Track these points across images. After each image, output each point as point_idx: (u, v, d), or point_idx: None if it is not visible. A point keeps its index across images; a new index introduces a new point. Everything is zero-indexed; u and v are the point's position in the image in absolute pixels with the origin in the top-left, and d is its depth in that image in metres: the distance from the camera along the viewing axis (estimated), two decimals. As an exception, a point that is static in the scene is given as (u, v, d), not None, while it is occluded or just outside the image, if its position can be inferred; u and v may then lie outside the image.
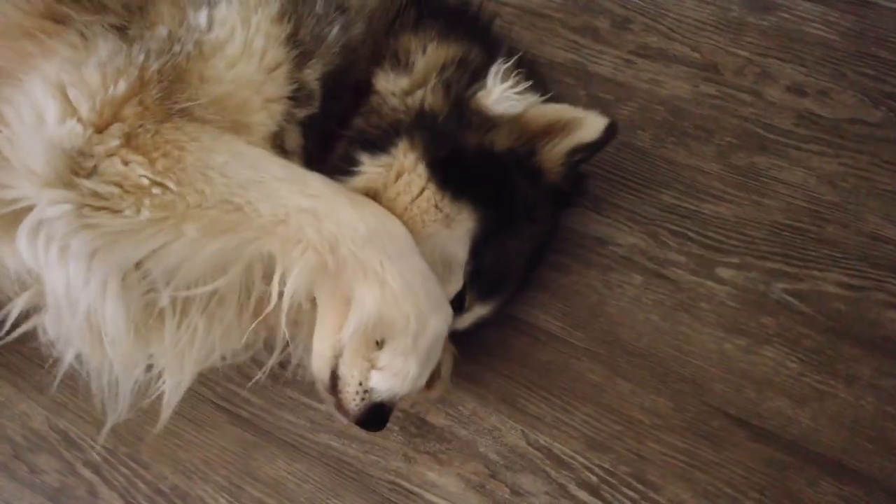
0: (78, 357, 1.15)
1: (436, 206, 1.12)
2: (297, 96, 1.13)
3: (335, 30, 1.14)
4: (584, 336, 1.37)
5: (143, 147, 1.00)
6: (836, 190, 1.37)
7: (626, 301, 1.37)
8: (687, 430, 1.30)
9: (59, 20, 1.03)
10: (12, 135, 0.98)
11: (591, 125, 1.16)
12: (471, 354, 1.38)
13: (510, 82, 1.14)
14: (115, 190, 0.98)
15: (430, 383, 1.23)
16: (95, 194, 0.98)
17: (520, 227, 1.21)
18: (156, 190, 0.99)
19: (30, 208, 0.98)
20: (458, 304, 1.18)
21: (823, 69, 1.43)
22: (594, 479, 1.30)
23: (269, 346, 1.28)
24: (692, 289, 1.36)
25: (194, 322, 1.12)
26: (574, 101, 1.49)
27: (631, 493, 1.28)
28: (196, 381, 1.42)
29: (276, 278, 1.04)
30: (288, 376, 1.41)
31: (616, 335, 1.36)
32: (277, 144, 1.14)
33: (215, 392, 1.44)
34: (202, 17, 1.06)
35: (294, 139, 1.16)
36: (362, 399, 1.10)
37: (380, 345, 1.08)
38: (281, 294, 1.04)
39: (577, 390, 1.35)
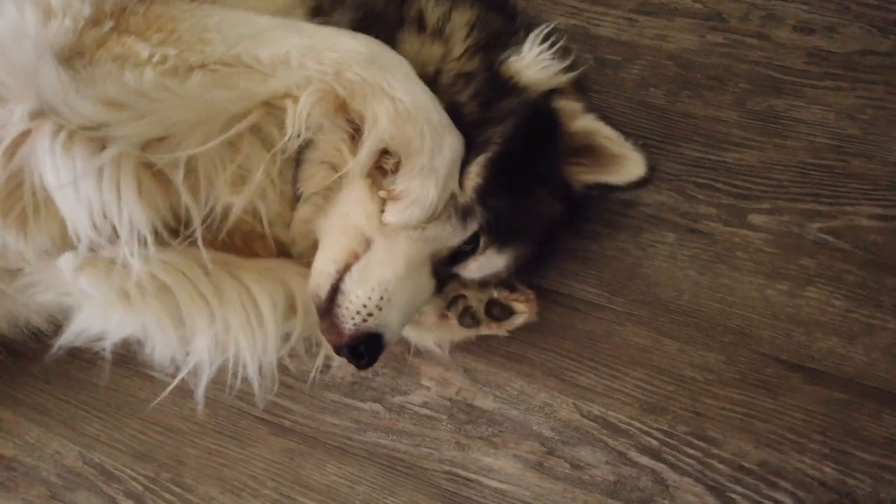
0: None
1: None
2: None
3: None
4: (624, 300, 1.34)
5: (135, 27, 1.00)
6: (856, 123, 1.36)
7: (661, 260, 1.35)
8: (741, 381, 1.28)
9: None
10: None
11: (628, 170, 1.16)
12: (511, 334, 1.35)
13: (544, 46, 1.13)
14: (114, 66, 0.97)
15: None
16: (95, 77, 0.97)
17: (539, 193, 1.19)
18: (157, 58, 0.98)
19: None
20: (471, 242, 1.16)
21: (827, 4, 1.42)
22: (654, 442, 1.28)
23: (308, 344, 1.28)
24: (727, 239, 1.34)
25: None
26: (581, 66, 1.47)
27: (693, 451, 1.26)
28: (232, 396, 1.40)
29: (289, 119, 1.03)
30: (327, 379, 1.38)
31: (656, 295, 1.34)
32: None
33: (253, 404, 1.40)
34: None
35: None
36: (363, 320, 1.11)
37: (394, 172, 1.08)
38: (299, 135, 1.04)
39: (624, 356, 1.32)
